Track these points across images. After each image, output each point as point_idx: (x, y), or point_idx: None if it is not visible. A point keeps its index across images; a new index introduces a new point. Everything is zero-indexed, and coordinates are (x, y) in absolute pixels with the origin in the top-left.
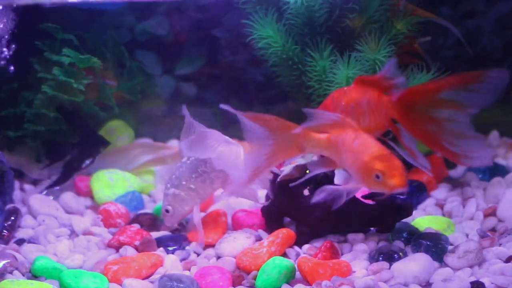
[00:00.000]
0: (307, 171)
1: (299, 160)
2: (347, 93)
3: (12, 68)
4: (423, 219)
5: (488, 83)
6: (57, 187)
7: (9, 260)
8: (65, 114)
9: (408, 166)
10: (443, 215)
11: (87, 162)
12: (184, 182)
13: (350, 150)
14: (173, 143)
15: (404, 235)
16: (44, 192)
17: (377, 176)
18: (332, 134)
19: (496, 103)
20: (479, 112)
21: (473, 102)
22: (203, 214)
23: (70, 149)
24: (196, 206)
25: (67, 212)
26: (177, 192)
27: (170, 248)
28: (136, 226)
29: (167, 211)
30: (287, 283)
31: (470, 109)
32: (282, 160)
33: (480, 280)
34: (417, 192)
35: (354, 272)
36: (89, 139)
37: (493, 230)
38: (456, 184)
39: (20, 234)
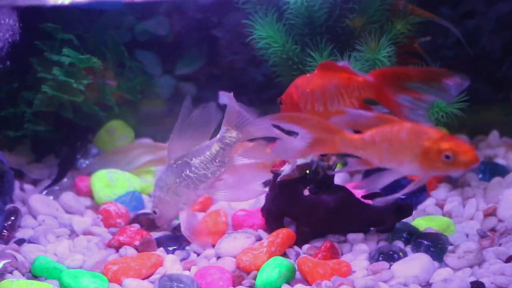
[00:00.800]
0: (307, 171)
1: (299, 160)
2: (311, 79)
3: (9, 63)
4: (423, 219)
5: (449, 86)
6: (57, 187)
7: (9, 260)
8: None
9: None
10: (443, 215)
11: (87, 162)
12: (168, 187)
13: (399, 143)
14: None
15: (404, 235)
16: (44, 192)
17: (447, 157)
18: (366, 133)
19: (496, 103)
20: (479, 112)
21: (431, 97)
22: (203, 214)
23: (57, 145)
24: (183, 212)
25: (67, 212)
26: (162, 195)
27: (170, 248)
28: (136, 226)
29: (154, 212)
30: (287, 283)
31: (427, 102)
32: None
33: (480, 280)
34: (417, 192)
35: (354, 272)
36: (74, 130)
37: (493, 230)
38: (456, 184)
39: (20, 234)
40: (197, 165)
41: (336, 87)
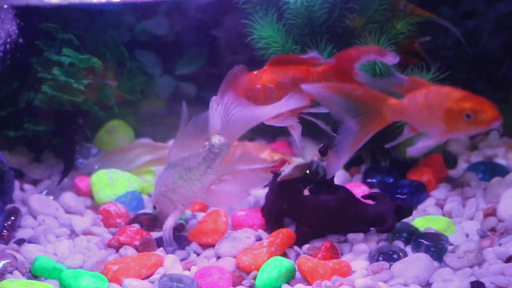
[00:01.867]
0: (307, 171)
1: (299, 160)
2: (261, 76)
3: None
4: (423, 219)
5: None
6: (57, 187)
7: (9, 260)
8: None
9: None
10: (443, 215)
11: (86, 161)
12: (165, 188)
13: (426, 105)
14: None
15: (404, 235)
16: (44, 193)
17: (468, 116)
18: (405, 98)
19: (496, 103)
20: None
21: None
22: (203, 214)
23: (52, 137)
24: (174, 213)
25: (67, 212)
26: (160, 195)
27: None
28: (136, 226)
29: (155, 207)
30: (287, 283)
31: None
32: (370, 135)
33: (480, 280)
34: (417, 192)
35: (354, 272)
36: (65, 119)
37: (493, 230)
38: (456, 184)
39: (20, 234)
40: (190, 172)
41: (294, 79)
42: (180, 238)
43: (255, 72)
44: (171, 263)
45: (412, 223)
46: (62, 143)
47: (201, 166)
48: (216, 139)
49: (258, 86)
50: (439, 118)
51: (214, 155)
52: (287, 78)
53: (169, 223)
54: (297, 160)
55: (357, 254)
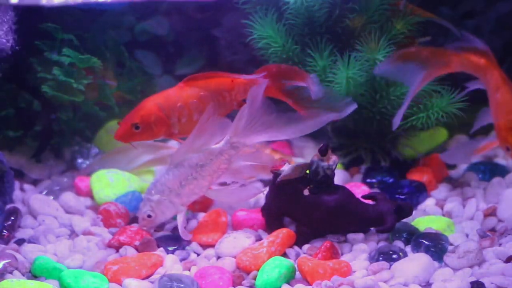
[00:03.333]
0: (307, 171)
1: (299, 160)
2: (181, 93)
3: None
4: (423, 219)
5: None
6: (57, 187)
7: (9, 260)
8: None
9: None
10: (443, 215)
11: (87, 162)
12: (170, 189)
13: (493, 98)
14: (173, 143)
15: (404, 235)
16: (44, 193)
17: (508, 149)
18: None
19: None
20: (479, 113)
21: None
22: (203, 214)
23: (38, 115)
24: (180, 214)
25: (67, 212)
26: (162, 199)
27: (170, 248)
28: (136, 226)
29: (149, 216)
30: (287, 283)
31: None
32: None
33: (480, 280)
34: (417, 192)
35: (354, 272)
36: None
37: (493, 230)
38: (456, 184)
39: (20, 234)
40: (203, 168)
41: (218, 91)
42: (180, 238)
43: (169, 91)
44: (171, 263)
45: (412, 223)
46: (43, 123)
47: (215, 161)
48: (237, 136)
49: (179, 104)
50: (495, 123)
51: (234, 149)
52: (210, 91)
53: (180, 220)
54: (297, 160)
55: (357, 254)
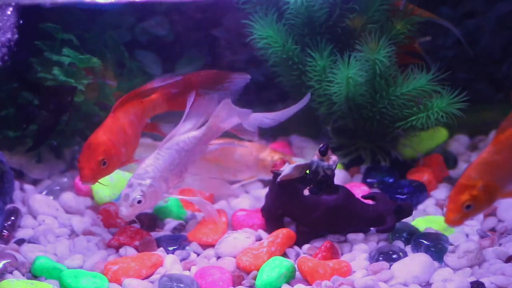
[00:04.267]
0: (307, 171)
1: (299, 160)
2: (111, 128)
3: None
4: (423, 219)
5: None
6: (57, 187)
7: (9, 260)
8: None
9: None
10: (443, 215)
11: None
12: (161, 174)
13: None
14: None
15: (404, 235)
16: (44, 193)
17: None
18: None
19: (496, 103)
20: (479, 112)
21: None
22: (203, 214)
23: (38, 111)
24: (193, 198)
25: (67, 212)
26: (154, 183)
27: (170, 248)
28: (136, 226)
29: (139, 201)
30: (287, 283)
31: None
32: None
33: (480, 280)
34: (417, 192)
35: (354, 272)
36: (53, 94)
37: (493, 230)
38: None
39: (20, 234)
40: (188, 153)
41: (136, 115)
42: (180, 238)
43: (108, 123)
44: (171, 263)
45: (412, 223)
46: (44, 117)
47: (198, 145)
48: (216, 121)
49: (120, 133)
50: None
51: (213, 134)
52: (129, 118)
53: (203, 201)
54: (297, 160)
55: (357, 254)
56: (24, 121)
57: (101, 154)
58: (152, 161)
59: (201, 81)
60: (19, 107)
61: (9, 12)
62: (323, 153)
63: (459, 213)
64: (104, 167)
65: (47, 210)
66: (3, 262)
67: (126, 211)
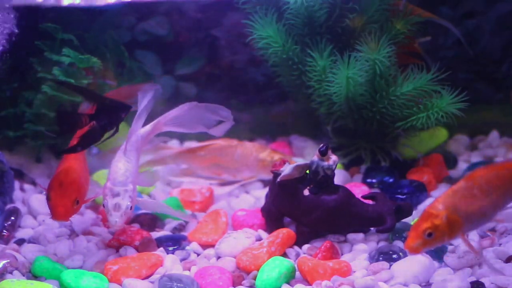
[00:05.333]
0: (307, 171)
1: (299, 160)
2: (75, 164)
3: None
4: None
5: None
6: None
7: (9, 260)
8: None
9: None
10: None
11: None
12: (134, 176)
13: None
14: (173, 143)
15: (404, 235)
16: (44, 193)
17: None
18: None
19: (496, 103)
20: (479, 112)
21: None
22: (203, 214)
23: (86, 120)
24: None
25: None
26: (134, 186)
27: (170, 248)
28: (136, 226)
29: (131, 208)
30: (287, 283)
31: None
32: None
33: (480, 280)
34: (417, 192)
35: (354, 272)
36: (107, 106)
37: (493, 230)
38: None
39: (20, 234)
40: (139, 150)
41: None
42: (180, 238)
43: (70, 164)
44: (171, 263)
45: (412, 223)
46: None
47: (145, 143)
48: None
49: (82, 173)
50: None
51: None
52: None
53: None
54: (297, 160)
55: (357, 254)
56: (66, 127)
57: (75, 193)
58: (125, 165)
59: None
60: (63, 112)
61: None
62: (323, 153)
63: (420, 240)
64: (76, 206)
65: (47, 210)
66: (3, 262)
67: (120, 221)
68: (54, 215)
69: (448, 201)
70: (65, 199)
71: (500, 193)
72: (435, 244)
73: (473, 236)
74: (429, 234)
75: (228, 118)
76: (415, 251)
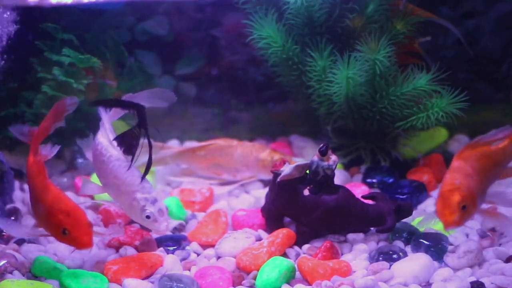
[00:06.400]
0: (307, 171)
1: (299, 160)
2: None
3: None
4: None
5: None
6: None
7: (9, 260)
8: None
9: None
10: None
11: (87, 161)
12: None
13: None
14: (173, 143)
15: (404, 235)
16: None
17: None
18: None
19: (496, 103)
20: (479, 112)
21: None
22: (203, 214)
23: None
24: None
25: None
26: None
27: (170, 248)
28: (136, 226)
29: (148, 217)
30: (287, 283)
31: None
32: None
33: (480, 280)
34: (417, 192)
35: (354, 272)
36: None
37: (493, 230)
38: None
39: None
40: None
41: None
42: (180, 238)
43: (58, 196)
44: (171, 263)
45: (412, 223)
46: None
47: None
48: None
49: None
50: None
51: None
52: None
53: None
54: (297, 160)
55: (357, 254)
56: None
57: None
58: (137, 171)
59: (49, 125)
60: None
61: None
62: (323, 153)
63: (457, 213)
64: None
65: None
66: (3, 262)
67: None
68: (79, 245)
69: (458, 177)
70: (88, 231)
71: (487, 171)
72: (469, 217)
73: (473, 236)
74: (464, 207)
75: (171, 99)
76: (457, 224)
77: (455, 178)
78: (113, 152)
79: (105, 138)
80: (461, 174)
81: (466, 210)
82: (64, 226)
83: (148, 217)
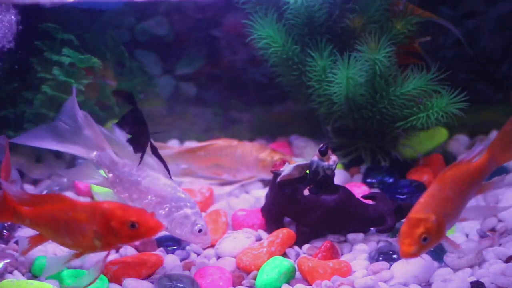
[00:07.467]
0: (307, 171)
1: (299, 160)
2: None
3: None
4: None
5: None
6: (57, 187)
7: (9, 260)
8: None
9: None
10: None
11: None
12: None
13: None
14: (173, 143)
15: None
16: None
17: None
18: None
19: (496, 103)
20: (479, 112)
21: None
22: (203, 214)
23: None
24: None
25: None
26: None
27: (170, 248)
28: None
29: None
30: (287, 283)
31: None
32: None
33: (480, 280)
34: (417, 192)
35: (354, 272)
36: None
37: (493, 230)
38: None
39: (20, 234)
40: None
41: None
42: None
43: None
44: (171, 263)
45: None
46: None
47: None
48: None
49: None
50: None
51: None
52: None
53: None
54: (297, 160)
55: (357, 254)
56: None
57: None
58: (164, 179)
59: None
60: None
61: None
62: (323, 153)
63: (416, 246)
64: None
65: None
66: (3, 262)
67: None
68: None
69: (430, 204)
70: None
71: (465, 191)
72: (430, 247)
73: (473, 236)
74: (425, 239)
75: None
76: (414, 256)
77: (427, 205)
78: (150, 171)
79: (128, 158)
80: (436, 199)
81: (427, 242)
82: (130, 219)
83: (200, 230)
